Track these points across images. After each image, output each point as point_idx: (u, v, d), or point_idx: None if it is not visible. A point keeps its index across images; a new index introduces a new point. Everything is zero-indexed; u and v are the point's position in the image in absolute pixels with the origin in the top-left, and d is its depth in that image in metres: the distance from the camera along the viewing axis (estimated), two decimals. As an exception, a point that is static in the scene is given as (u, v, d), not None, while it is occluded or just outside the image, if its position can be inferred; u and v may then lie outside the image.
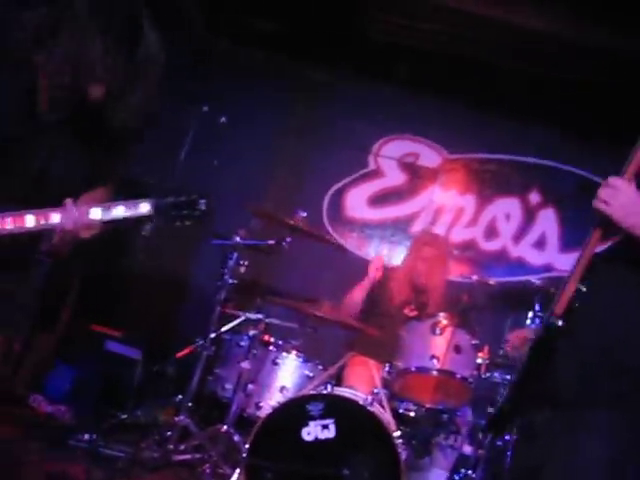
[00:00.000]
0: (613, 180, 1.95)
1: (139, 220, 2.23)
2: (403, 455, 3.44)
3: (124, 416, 4.18)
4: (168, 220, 2.23)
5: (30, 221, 2.13)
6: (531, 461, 2.13)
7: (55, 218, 2.14)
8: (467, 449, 3.98)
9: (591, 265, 2.00)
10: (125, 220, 2.18)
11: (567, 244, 5.58)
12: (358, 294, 4.35)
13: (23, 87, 2.12)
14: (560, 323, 1.96)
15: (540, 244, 5.70)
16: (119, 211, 2.16)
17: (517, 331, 2.54)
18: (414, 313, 3.96)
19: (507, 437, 3.69)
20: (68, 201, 2.15)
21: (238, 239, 4.10)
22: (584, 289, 1.98)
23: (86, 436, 3.72)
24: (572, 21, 4.86)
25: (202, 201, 2.26)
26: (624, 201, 1.93)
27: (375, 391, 3.71)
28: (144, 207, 2.17)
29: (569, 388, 2.05)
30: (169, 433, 3.79)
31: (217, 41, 5.93)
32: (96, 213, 2.16)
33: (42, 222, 2.14)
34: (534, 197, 5.76)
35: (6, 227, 2.12)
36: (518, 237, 5.74)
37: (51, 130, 2.20)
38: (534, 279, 4.22)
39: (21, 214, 2.13)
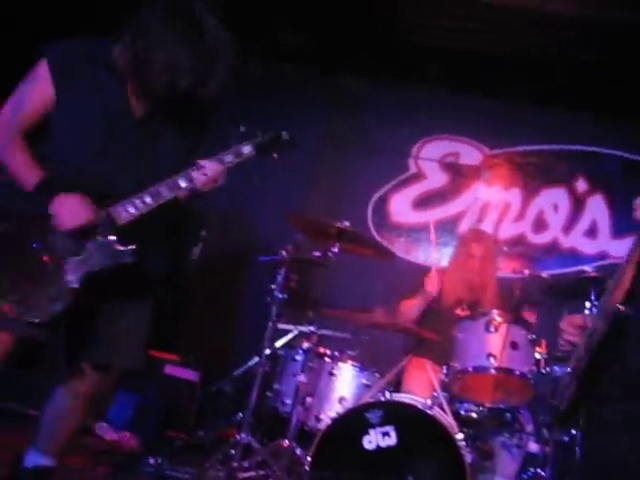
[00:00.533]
0: None
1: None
2: (468, 458, 3.40)
3: (187, 438, 4.23)
4: (267, 154, 2.68)
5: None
6: (605, 455, 2.07)
7: (193, 174, 2.50)
8: (533, 447, 3.89)
9: None
10: (236, 165, 2.59)
11: (619, 229, 5.46)
12: (413, 307, 4.30)
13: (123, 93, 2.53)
14: (625, 310, 1.91)
15: (591, 232, 5.59)
16: (230, 157, 2.57)
17: (569, 317, 2.46)
18: (466, 312, 3.91)
19: (573, 432, 3.62)
20: (198, 162, 2.52)
21: (284, 254, 4.11)
22: None
23: (152, 460, 3.77)
24: (606, 4, 4.77)
25: (284, 132, 2.74)
26: None
27: (434, 394, 3.68)
28: (247, 149, 2.61)
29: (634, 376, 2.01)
30: (232, 451, 3.80)
31: (249, 58, 5.99)
32: (218, 164, 2.54)
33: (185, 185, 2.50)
34: (581, 185, 5.66)
35: (147, 202, 2.46)
36: (568, 227, 5.64)
37: (148, 121, 2.57)
38: (588, 268, 4.10)
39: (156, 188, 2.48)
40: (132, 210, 2.46)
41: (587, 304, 3.74)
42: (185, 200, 2.65)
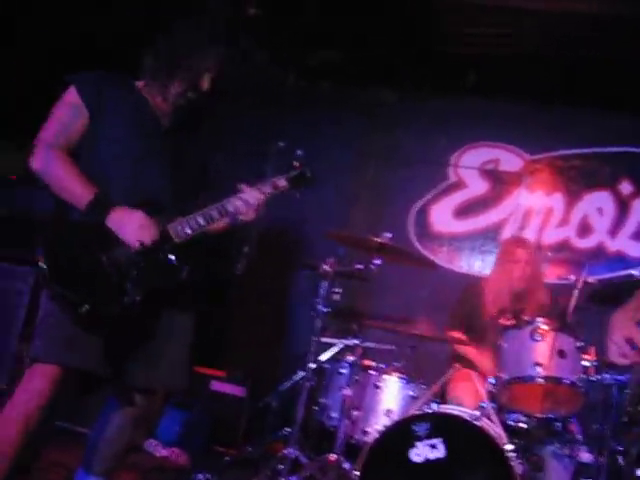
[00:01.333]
0: None
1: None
2: (518, 469, 3.34)
3: (235, 453, 4.25)
4: (296, 188, 2.89)
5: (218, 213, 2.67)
6: None
7: (237, 202, 2.69)
8: (586, 457, 3.82)
9: None
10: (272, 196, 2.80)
11: (666, 231, 5.36)
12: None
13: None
14: None
15: (638, 235, 5.48)
16: (269, 188, 2.78)
17: (618, 316, 2.38)
18: (511, 322, 3.87)
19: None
20: (241, 186, 2.71)
21: (327, 267, 4.12)
22: None
23: (201, 476, 3.80)
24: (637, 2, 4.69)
25: (308, 170, 2.93)
26: None
27: (482, 405, 3.64)
28: (282, 182, 2.84)
29: None
30: (280, 466, 3.82)
31: (284, 76, 6.04)
32: (258, 193, 2.73)
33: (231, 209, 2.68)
34: (625, 187, 5.55)
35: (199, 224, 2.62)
36: (614, 230, 5.54)
37: (172, 131, 2.76)
38: (635, 272, 4.03)
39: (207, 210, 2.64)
40: (188, 230, 2.60)
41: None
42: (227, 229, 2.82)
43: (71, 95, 2.63)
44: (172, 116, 2.75)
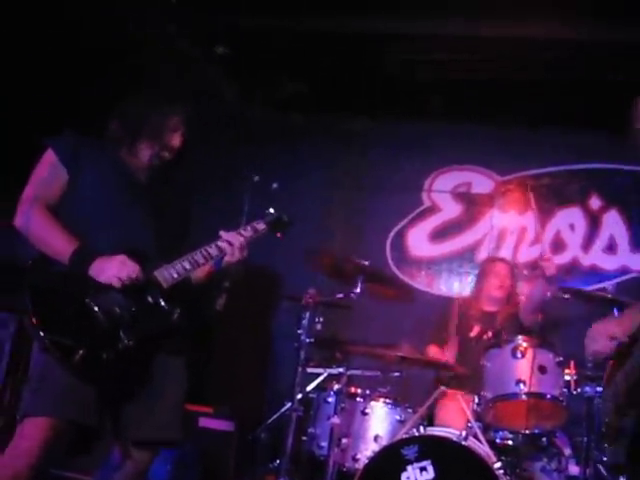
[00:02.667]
0: None
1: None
2: (508, 486, 3.40)
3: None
4: (273, 232, 3.04)
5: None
6: None
7: (221, 244, 2.78)
8: (574, 469, 3.88)
9: None
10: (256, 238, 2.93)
11: (638, 242, 5.47)
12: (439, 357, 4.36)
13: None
14: None
15: (611, 248, 5.59)
16: (249, 232, 2.88)
17: (594, 327, 2.45)
18: (492, 341, 3.94)
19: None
20: (221, 232, 2.80)
21: (308, 298, 4.17)
22: None
23: (194, 514, 3.80)
24: (604, 25, 4.86)
25: (284, 215, 3.12)
26: None
27: (469, 425, 3.69)
28: (261, 226, 2.97)
29: None
30: (274, 499, 3.84)
31: (253, 110, 6.13)
32: (239, 236, 2.83)
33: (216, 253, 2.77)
34: (595, 202, 5.68)
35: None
36: (587, 245, 5.65)
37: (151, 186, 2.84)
38: (610, 285, 4.11)
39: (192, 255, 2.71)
40: (175, 275, 2.65)
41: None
42: (210, 276, 2.92)
43: (49, 156, 2.71)
44: (149, 172, 2.83)
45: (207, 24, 5.12)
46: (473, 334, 4.33)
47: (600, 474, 3.59)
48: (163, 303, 2.61)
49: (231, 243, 2.76)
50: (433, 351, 4.39)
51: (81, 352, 2.39)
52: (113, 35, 4.76)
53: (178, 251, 2.74)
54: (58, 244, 2.57)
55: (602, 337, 2.27)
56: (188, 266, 2.68)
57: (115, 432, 2.64)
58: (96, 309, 2.49)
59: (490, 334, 3.99)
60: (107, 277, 2.51)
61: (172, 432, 2.78)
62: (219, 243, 2.77)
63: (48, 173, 2.70)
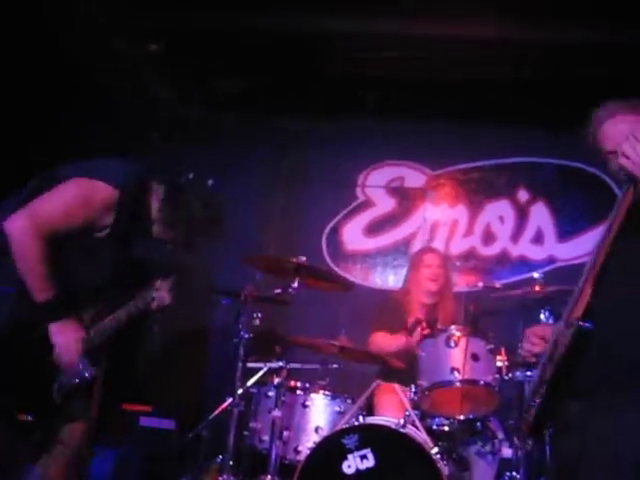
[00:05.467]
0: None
1: None
2: (445, 471, 3.52)
3: (170, 487, 4.26)
4: None
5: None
6: (570, 453, 2.18)
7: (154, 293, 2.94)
8: (507, 452, 4.03)
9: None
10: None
11: (563, 233, 5.67)
12: (387, 345, 4.41)
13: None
14: (588, 325, 2.00)
15: (538, 239, 5.80)
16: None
17: (534, 329, 2.59)
18: (427, 331, 4.05)
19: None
20: (156, 281, 2.96)
21: (246, 294, 4.20)
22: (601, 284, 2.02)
23: (137, 513, 3.80)
24: (525, 25, 5.02)
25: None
26: None
27: (406, 414, 3.79)
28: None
29: (595, 376, 2.11)
30: (216, 494, 3.86)
31: (189, 109, 6.11)
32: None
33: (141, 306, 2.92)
34: (522, 195, 5.88)
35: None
36: (516, 236, 5.84)
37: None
38: (539, 274, 4.25)
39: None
40: (109, 332, 2.85)
41: (541, 315, 3.89)
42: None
43: (106, 196, 2.70)
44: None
45: (140, 21, 5.08)
46: (409, 326, 4.42)
47: (531, 455, 3.74)
48: (86, 361, 2.79)
49: (162, 298, 2.96)
50: (380, 336, 4.45)
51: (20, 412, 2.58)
52: (42, 34, 4.69)
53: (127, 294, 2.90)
54: (41, 282, 2.62)
55: (537, 338, 2.39)
56: (123, 319, 2.86)
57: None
58: (36, 366, 2.66)
59: (425, 325, 4.09)
60: (57, 344, 2.67)
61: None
62: (154, 294, 2.93)
63: (93, 210, 2.69)
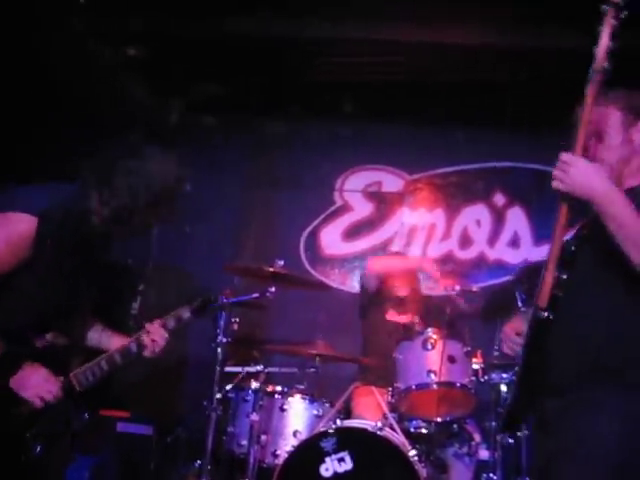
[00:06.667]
0: (563, 156, 2.04)
1: None
2: (423, 473, 3.54)
3: (148, 492, 4.24)
4: (200, 316, 2.92)
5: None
6: (547, 450, 2.20)
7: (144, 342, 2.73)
8: (484, 454, 4.07)
9: (565, 251, 2.10)
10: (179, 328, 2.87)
11: (540, 237, 5.72)
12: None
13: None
14: (546, 315, 2.06)
15: (514, 242, 5.85)
16: (172, 323, 2.82)
17: (510, 324, 2.62)
18: (403, 334, 4.08)
19: (519, 434, 3.80)
20: (146, 327, 2.74)
21: (223, 299, 4.20)
22: (564, 276, 2.07)
23: (114, 519, 3.78)
24: (506, 33, 5.08)
25: (211, 296, 3.03)
26: (576, 173, 2.01)
27: (384, 416, 3.81)
28: (186, 314, 2.86)
29: (568, 373, 2.15)
30: (195, 499, 3.85)
31: (167, 113, 6.10)
32: (163, 331, 2.78)
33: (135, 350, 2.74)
34: (499, 199, 5.93)
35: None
36: (492, 240, 5.89)
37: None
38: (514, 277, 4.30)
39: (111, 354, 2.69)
40: (91, 378, 2.65)
41: (517, 299, 3.93)
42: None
43: (27, 229, 2.40)
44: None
45: (118, 25, 5.08)
46: (385, 330, 4.43)
47: (507, 457, 3.77)
48: (70, 408, 2.63)
49: (154, 340, 2.73)
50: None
51: None
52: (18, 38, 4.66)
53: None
54: None
55: (511, 337, 2.42)
56: (105, 366, 2.66)
57: None
58: (12, 423, 2.47)
59: (401, 329, 4.12)
60: (29, 395, 2.46)
61: None
62: (142, 338, 2.72)
63: (14, 249, 2.38)
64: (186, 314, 2.85)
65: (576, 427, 2.08)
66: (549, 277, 2.07)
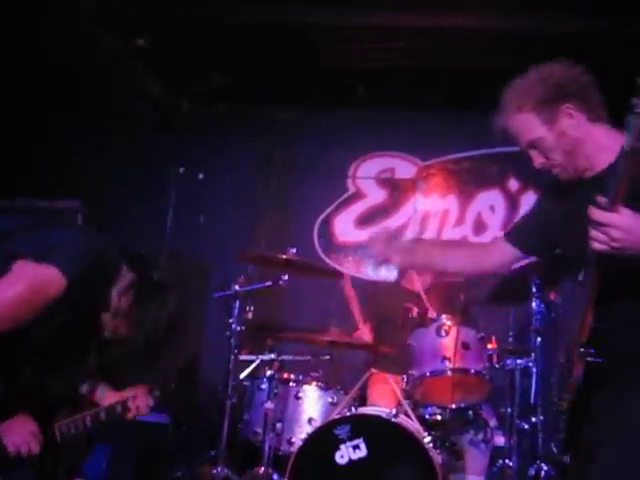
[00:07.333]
0: (598, 215, 1.83)
1: None
2: (438, 459, 3.54)
3: (165, 480, 4.27)
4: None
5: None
6: (590, 440, 2.15)
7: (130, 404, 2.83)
8: (500, 440, 4.07)
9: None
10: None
11: (554, 222, 5.68)
12: (364, 334, 4.47)
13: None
14: (594, 360, 1.98)
15: (529, 228, 5.80)
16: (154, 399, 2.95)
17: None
18: (417, 321, 4.07)
19: (534, 419, 3.79)
20: (134, 392, 2.85)
21: (237, 287, 4.21)
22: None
23: (131, 508, 3.81)
24: (508, 14, 5.03)
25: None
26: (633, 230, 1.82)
27: (399, 403, 3.81)
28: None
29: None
30: (211, 486, 3.88)
31: (178, 103, 6.11)
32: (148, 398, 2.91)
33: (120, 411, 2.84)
34: (513, 184, 5.88)
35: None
36: (507, 225, 5.81)
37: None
38: (529, 263, 4.28)
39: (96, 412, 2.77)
40: (73, 431, 2.74)
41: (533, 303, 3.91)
42: None
43: (58, 289, 2.27)
44: None
45: (127, 14, 5.07)
46: (400, 317, 4.42)
47: (523, 443, 3.77)
48: (49, 462, 2.70)
49: (138, 405, 2.84)
50: (358, 335, 4.50)
51: None
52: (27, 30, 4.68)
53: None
54: None
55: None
56: (89, 424, 2.75)
57: None
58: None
59: (416, 315, 4.11)
60: (10, 444, 2.54)
61: None
62: (128, 402, 2.81)
63: (37, 310, 2.27)
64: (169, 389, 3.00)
65: (625, 416, 2.04)
66: (589, 318, 2.00)
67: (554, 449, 2.29)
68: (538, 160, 2.22)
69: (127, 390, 2.85)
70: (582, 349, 2.01)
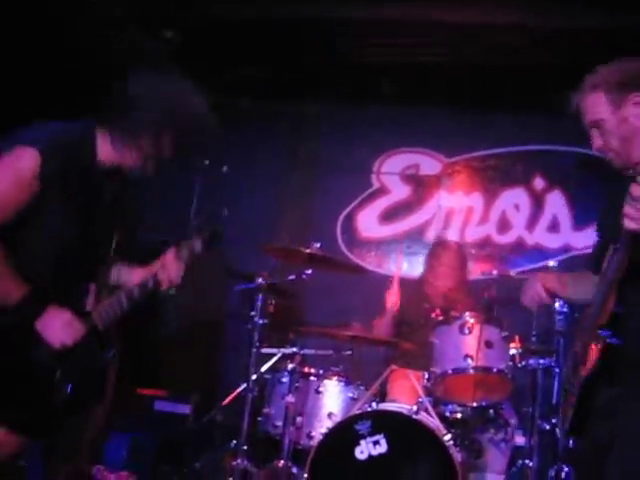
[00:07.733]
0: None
1: None
2: (458, 457, 3.53)
3: (185, 471, 4.29)
4: (207, 248, 2.80)
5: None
6: (599, 438, 2.16)
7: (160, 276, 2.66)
8: (520, 439, 4.05)
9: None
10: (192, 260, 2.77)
11: (579, 221, 5.64)
12: (382, 326, 4.46)
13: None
14: (614, 340, 2.00)
15: (554, 227, 5.77)
16: (185, 253, 2.71)
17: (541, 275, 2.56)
18: (441, 318, 4.05)
19: (555, 420, 3.76)
20: (162, 259, 2.68)
21: (260, 280, 4.22)
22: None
23: (151, 497, 3.84)
24: (546, 13, 4.99)
25: (218, 227, 2.90)
26: None
27: (419, 400, 3.81)
28: (197, 245, 2.75)
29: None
30: (230, 478, 3.89)
31: (205, 95, 6.11)
32: (178, 263, 2.70)
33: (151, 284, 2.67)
34: (538, 183, 5.84)
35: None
36: (531, 225, 5.81)
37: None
38: (552, 262, 4.25)
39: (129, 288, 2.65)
40: (112, 313, 2.60)
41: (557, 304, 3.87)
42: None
43: (30, 162, 2.34)
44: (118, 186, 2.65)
45: (156, 8, 5.09)
46: (423, 313, 4.41)
47: (543, 442, 3.74)
48: (97, 347, 2.59)
49: (170, 275, 2.67)
50: (377, 325, 4.49)
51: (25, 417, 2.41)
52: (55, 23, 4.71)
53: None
54: (7, 286, 2.36)
55: (536, 287, 2.38)
56: (125, 302, 2.62)
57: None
58: (30, 364, 2.44)
59: (439, 312, 4.09)
60: (51, 339, 2.42)
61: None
62: (158, 274, 2.66)
63: (19, 185, 2.34)
64: (198, 246, 2.76)
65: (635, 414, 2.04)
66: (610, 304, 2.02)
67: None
68: (597, 142, 2.24)
69: (154, 263, 2.71)
70: (600, 331, 2.04)
